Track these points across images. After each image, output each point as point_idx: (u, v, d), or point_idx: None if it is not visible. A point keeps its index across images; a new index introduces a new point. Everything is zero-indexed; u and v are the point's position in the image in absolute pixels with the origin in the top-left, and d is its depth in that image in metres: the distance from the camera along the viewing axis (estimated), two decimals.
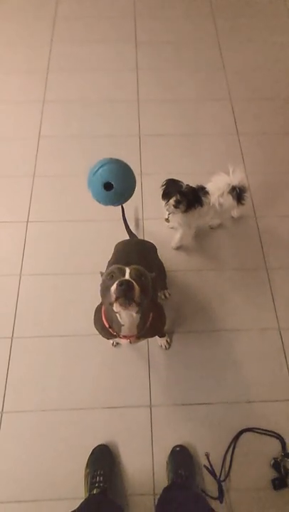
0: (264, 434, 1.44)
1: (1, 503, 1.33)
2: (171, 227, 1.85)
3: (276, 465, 1.37)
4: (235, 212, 1.90)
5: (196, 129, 2.27)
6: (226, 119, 2.32)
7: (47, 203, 2.00)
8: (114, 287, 0.93)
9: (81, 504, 1.12)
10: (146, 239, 1.70)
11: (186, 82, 2.47)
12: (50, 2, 2.88)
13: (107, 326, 1.12)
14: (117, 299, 0.92)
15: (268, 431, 1.44)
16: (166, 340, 1.59)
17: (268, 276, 1.79)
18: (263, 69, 2.56)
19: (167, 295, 1.72)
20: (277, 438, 1.43)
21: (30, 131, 2.24)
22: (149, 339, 1.57)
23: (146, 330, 1.14)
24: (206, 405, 1.50)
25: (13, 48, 2.62)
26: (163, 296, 1.72)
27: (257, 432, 1.44)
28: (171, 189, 1.54)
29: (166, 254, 1.77)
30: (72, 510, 1.07)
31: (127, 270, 0.98)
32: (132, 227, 1.72)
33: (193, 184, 1.59)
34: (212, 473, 1.36)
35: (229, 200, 1.64)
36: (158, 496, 1.27)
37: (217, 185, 1.63)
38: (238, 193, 1.64)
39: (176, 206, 1.54)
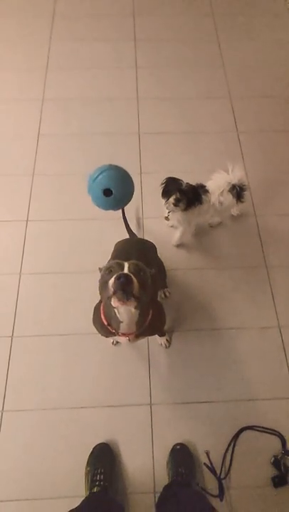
0: (264, 432, 1.44)
1: (2, 502, 1.33)
2: (171, 226, 1.85)
3: (276, 463, 1.37)
4: (235, 210, 1.90)
5: (195, 127, 2.27)
6: (226, 117, 2.32)
7: (46, 201, 1.99)
8: (112, 281, 0.92)
9: (82, 502, 1.13)
10: (146, 238, 1.70)
11: (185, 80, 2.47)
12: (49, 0, 2.87)
13: (105, 323, 1.12)
14: (114, 292, 0.91)
15: (268, 429, 1.44)
16: (166, 339, 1.59)
17: (267, 275, 1.79)
18: (263, 67, 2.55)
19: (167, 294, 1.72)
20: (278, 436, 1.43)
21: (29, 130, 2.24)
22: (149, 338, 1.57)
23: (145, 328, 1.13)
24: (207, 403, 1.50)
25: (12, 46, 2.61)
26: (163, 295, 1.72)
27: (257, 430, 1.44)
28: (171, 187, 1.54)
29: (166, 253, 1.77)
30: (73, 508, 1.07)
31: (126, 265, 0.97)
32: (133, 227, 1.71)
33: (193, 182, 1.58)
34: (212, 471, 1.36)
35: (229, 199, 1.64)
36: (158, 494, 1.27)
37: (217, 184, 1.63)
38: (238, 191, 1.64)
39: (176, 204, 1.54)
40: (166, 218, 1.75)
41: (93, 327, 1.23)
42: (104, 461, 1.34)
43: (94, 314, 1.23)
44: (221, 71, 2.52)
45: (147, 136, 2.22)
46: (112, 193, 1.19)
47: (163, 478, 1.35)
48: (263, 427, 1.44)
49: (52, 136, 2.22)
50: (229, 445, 1.41)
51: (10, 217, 1.94)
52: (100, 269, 1.03)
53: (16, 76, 2.47)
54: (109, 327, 1.11)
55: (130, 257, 1.28)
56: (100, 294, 1.01)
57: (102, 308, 1.14)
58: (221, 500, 1.30)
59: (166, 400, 1.50)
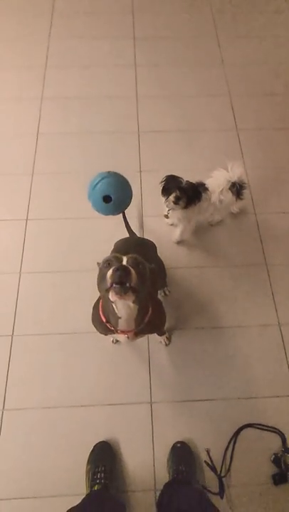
0: (264, 429, 1.44)
1: (2, 500, 1.34)
2: (171, 224, 1.85)
3: (276, 460, 1.37)
4: (234, 208, 1.89)
5: (195, 126, 2.26)
6: (225, 115, 2.31)
7: (46, 200, 1.99)
8: (110, 272, 0.90)
9: (83, 500, 1.13)
10: (145, 236, 1.70)
11: (185, 78, 2.46)
12: None
13: (104, 320, 1.11)
14: (112, 285, 0.89)
15: (269, 426, 1.44)
16: (166, 337, 1.59)
17: (267, 273, 1.79)
18: (263, 64, 2.54)
19: (167, 292, 1.72)
20: (278, 433, 1.43)
21: (28, 129, 2.23)
22: (149, 336, 1.57)
23: (144, 326, 1.12)
24: (207, 401, 1.50)
25: (11, 45, 2.60)
26: (163, 294, 1.72)
27: (257, 428, 1.44)
28: (171, 185, 1.54)
29: (166, 252, 1.77)
30: (74, 506, 1.07)
31: (124, 258, 0.96)
32: (134, 227, 1.71)
33: (192, 180, 1.58)
34: (213, 468, 1.36)
35: (229, 197, 1.64)
36: (159, 492, 1.27)
37: (217, 182, 1.63)
38: (237, 189, 1.64)
39: (175, 202, 1.54)
40: (166, 216, 1.75)
41: (93, 326, 1.23)
42: (104, 459, 1.35)
43: (93, 312, 1.22)
44: (220, 69, 2.51)
45: (147, 135, 2.22)
46: (111, 200, 1.24)
47: (163, 476, 1.36)
48: (263, 425, 1.45)
49: (51, 135, 2.22)
50: (229, 443, 1.42)
51: (10, 216, 1.94)
52: (99, 264, 1.01)
53: (14, 74, 2.46)
54: (107, 324, 1.10)
55: None
56: (98, 287, 0.98)
57: (100, 304, 1.14)
58: (222, 497, 1.30)
59: (167, 398, 1.50)
